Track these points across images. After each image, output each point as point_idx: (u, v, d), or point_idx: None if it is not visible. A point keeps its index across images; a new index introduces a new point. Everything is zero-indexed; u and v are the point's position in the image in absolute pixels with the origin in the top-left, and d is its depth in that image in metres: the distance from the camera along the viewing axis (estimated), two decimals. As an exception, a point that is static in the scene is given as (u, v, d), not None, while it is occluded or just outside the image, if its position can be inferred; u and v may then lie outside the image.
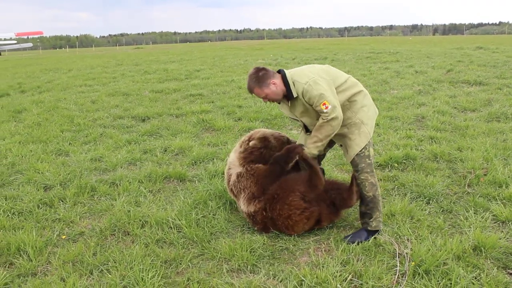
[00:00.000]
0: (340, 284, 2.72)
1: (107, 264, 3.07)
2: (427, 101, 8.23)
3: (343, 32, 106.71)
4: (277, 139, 3.74)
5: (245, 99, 8.95)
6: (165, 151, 5.81)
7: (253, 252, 3.16)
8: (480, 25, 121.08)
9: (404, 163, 4.95)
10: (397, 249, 3.10)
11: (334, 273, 2.81)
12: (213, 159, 5.31)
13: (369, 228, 3.33)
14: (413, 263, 2.89)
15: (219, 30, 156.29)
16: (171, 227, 3.56)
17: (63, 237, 3.52)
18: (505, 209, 3.62)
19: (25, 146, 6.14)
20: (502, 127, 6.19)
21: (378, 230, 3.35)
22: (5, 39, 52.42)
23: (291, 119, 3.62)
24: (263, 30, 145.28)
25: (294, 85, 3.25)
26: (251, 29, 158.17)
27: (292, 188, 3.31)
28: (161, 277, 2.88)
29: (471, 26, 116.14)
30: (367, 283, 2.72)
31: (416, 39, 42.60)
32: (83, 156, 5.63)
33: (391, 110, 7.64)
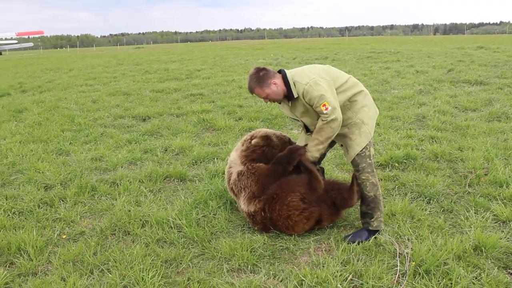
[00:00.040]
0: (340, 284, 2.72)
1: (108, 263, 3.07)
2: (428, 101, 8.22)
3: (344, 31, 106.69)
4: (279, 138, 3.75)
5: (246, 99, 8.95)
6: (166, 150, 5.81)
7: (254, 251, 3.16)
8: (481, 24, 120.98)
9: (405, 162, 4.94)
10: (397, 249, 3.10)
11: (335, 272, 2.81)
12: (214, 158, 5.31)
13: (370, 228, 3.33)
14: (414, 263, 2.89)
15: (220, 30, 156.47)
16: (171, 227, 3.56)
17: (64, 236, 3.53)
18: (506, 209, 3.62)
19: (26, 146, 6.14)
20: (503, 127, 6.19)
21: (378, 230, 3.35)
22: (6, 39, 52.49)
23: (292, 119, 3.62)
24: (264, 29, 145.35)
25: (294, 85, 3.24)
26: (252, 29, 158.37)
27: (292, 189, 3.30)
28: (161, 277, 2.88)
29: (472, 25, 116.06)
30: (367, 283, 2.72)
31: (417, 39, 42.59)
32: (84, 155, 5.63)
33: (392, 110, 7.63)
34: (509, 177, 4.28)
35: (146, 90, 10.72)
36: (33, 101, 9.89)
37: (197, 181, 4.67)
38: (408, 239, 3.26)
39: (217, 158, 5.30)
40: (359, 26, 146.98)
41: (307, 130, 3.52)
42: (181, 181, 4.73)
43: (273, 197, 3.33)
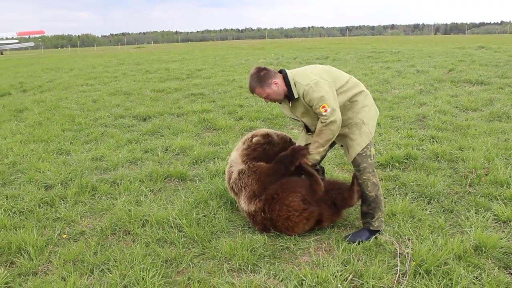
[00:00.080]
0: (340, 284, 2.72)
1: (108, 263, 3.07)
2: (429, 101, 8.21)
3: (344, 31, 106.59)
4: (280, 136, 3.76)
5: (246, 99, 8.95)
6: (166, 150, 5.81)
7: (254, 251, 3.16)
8: (482, 24, 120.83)
9: (405, 162, 4.94)
10: (398, 249, 3.10)
11: (335, 272, 2.81)
12: (214, 158, 5.31)
13: (371, 228, 3.33)
14: (414, 263, 2.89)
15: (221, 30, 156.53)
16: (171, 227, 3.56)
17: (64, 236, 3.53)
18: (507, 209, 3.61)
19: (26, 145, 6.15)
20: (504, 127, 6.18)
21: (379, 230, 3.34)
22: (6, 39, 52.55)
23: (292, 119, 3.62)
24: (265, 29, 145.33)
25: (295, 85, 3.24)
26: (253, 29, 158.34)
27: (293, 189, 3.30)
28: (161, 277, 2.88)
29: (473, 25, 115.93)
30: (367, 283, 2.72)
31: (417, 39, 42.54)
32: (84, 155, 5.64)
33: (393, 110, 7.63)
34: (510, 177, 4.27)
35: (146, 90, 10.72)
36: (33, 101, 9.90)
37: (197, 180, 4.67)
38: (409, 239, 3.25)
39: (217, 158, 5.30)
40: (360, 26, 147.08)
41: (308, 130, 3.52)
42: (181, 180, 4.73)
43: (273, 197, 3.33)
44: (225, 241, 3.29)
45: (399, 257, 3.00)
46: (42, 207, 4.07)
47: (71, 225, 3.75)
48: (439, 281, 2.70)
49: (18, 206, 4.05)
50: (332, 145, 3.59)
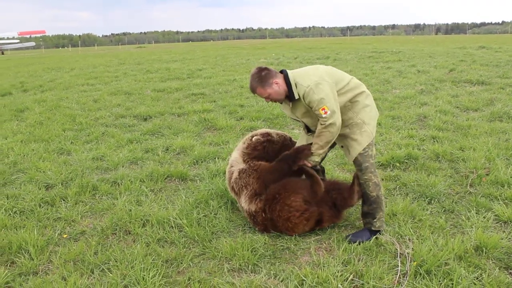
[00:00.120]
0: (341, 284, 2.71)
1: (108, 263, 3.07)
2: (429, 101, 8.21)
3: (345, 31, 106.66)
4: (279, 135, 3.78)
5: (247, 98, 8.95)
6: (167, 150, 5.81)
7: (254, 251, 3.16)
8: (483, 24, 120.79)
9: (406, 162, 4.94)
10: (398, 249, 3.09)
11: (335, 273, 2.81)
12: (215, 158, 5.31)
13: (372, 228, 3.33)
14: (415, 263, 2.89)
15: (221, 30, 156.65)
16: (172, 226, 3.56)
17: (65, 236, 3.53)
18: (507, 209, 3.61)
19: (27, 145, 6.15)
20: (505, 127, 6.17)
21: (380, 230, 3.34)
22: (7, 38, 52.62)
23: (293, 119, 3.61)
24: (265, 29, 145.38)
25: (296, 86, 3.23)
26: (253, 29, 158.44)
27: (295, 190, 3.30)
28: (162, 277, 2.88)
29: (474, 25, 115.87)
30: (368, 283, 2.72)
31: (418, 39, 42.48)
32: (85, 155, 5.64)
33: (393, 110, 7.62)
34: (511, 177, 4.27)
35: (147, 90, 10.73)
36: (34, 101, 9.91)
37: (198, 180, 4.67)
38: (409, 239, 3.25)
39: (218, 158, 5.30)
40: (360, 26, 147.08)
41: (308, 130, 3.52)
42: (182, 180, 4.73)
43: (275, 197, 3.32)
44: (226, 241, 3.29)
45: (400, 257, 3.00)
46: (42, 207, 4.07)
47: (71, 225, 3.75)
48: (439, 281, 2.70)
49: (18, 206, 4.05)
50: (332, 146, 3.59)
